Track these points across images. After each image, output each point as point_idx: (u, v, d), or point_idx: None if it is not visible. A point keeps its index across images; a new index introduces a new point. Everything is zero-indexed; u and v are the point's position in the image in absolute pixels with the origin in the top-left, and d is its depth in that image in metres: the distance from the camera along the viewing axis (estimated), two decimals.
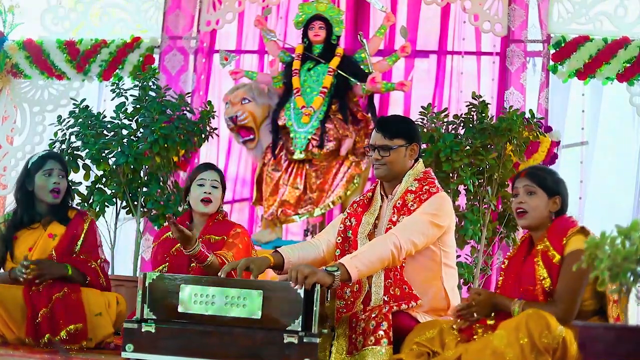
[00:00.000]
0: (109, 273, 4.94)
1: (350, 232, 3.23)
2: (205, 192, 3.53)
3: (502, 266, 3.03)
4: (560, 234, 2.78)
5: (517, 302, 2.76)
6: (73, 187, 4.85)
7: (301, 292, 2.69)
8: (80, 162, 4.95)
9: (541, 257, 2.79)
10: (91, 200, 4.91)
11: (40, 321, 3.41)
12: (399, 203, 3.14)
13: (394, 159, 3.17)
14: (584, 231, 2.77)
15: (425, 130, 4.74)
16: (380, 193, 3.27)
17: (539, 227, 2.89)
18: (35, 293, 3.45)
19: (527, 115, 4.80)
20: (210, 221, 3.60)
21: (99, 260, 3.68)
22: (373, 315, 2.86)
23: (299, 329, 2.67)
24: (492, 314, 2.89)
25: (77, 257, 3.62)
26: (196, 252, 3.25)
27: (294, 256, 3.11)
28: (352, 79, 4.91)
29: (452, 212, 3.18)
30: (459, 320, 2.86)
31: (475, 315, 2.83)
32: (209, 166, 3.68)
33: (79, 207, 3.94)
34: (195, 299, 2.74)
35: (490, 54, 5.68)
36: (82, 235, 3.67)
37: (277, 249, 3.13)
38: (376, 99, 5.32)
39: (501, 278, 3.01)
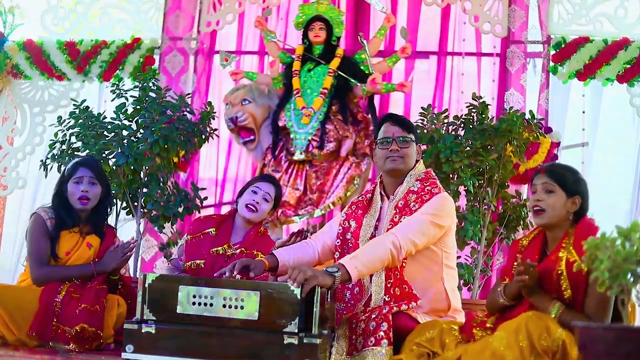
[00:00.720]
0: None
1: (350, 234, 3.23)
2: (253, 200, 3.61)
3: (518, 254, 2.87)
4: None
5: (555, 305, 2.65)
6: None
7: (298, 293, 2.69)
8: None
9: (566, 268, 2.69)
10: None
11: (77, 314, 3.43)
12: (400, 203, 3.14)
13: (410, 153, 3.21)
14: None
15: (425, 131, 4.74)
16: (381, 193, 3.27)
17: (555, 227, 2.81)
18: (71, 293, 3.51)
19: (527, 116, 4.80)
20: (253, 232, 3.65)
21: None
22: (373, 316, 2.86)
23: (296, 331, 2.67)
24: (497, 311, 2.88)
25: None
26: None
27: (289, 259, 3.12)
28: (352, 80, 4.91)
29: (453, 212, 3.19)
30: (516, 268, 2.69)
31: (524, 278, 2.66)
32: (269, 180, 3.79)
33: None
34: (194, 300, 2.74)
35: (491, 55, 5.68)
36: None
37: (273, 252, 3.15)
38: (376, 100, 5.32)
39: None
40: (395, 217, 3.11)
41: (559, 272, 2.70)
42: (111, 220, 4.98)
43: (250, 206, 3.61)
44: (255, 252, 3.56)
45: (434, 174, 3.28)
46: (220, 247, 3.58)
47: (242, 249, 3.58)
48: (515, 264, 2.75)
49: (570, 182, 2.83)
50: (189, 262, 3.59)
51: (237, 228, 3.67)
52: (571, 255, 2.70)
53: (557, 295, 2.70)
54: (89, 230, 3.76)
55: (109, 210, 3.92)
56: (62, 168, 4.86)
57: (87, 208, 3.74)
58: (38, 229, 3.67)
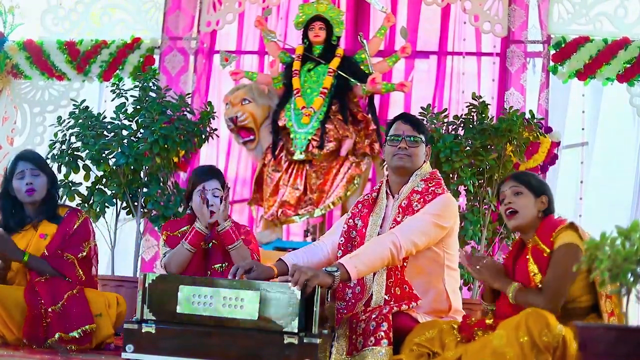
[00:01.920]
0: (109, 273, 4.97)
1: (355, 232, 3.23)
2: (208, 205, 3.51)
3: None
4: (549, 230, 2.83)
5: (513, 285, 2.83)
6: (73, 188, 4.86)
7: (298, 293, 2.69)
8: (80, 163, 4.94)
9: (531, 253, 2.83)
10: (91, 201, 4.91)
11: (50, 320, 3.38)
12: (404, 203, 3.14)
13: (418, 152, 3.22)
14: (572, 226, 2.82)
15: None
16: (386, 191, 3.27)
17: (529, 228, 2.92)
18: (43, 290, 3.43)
19: (527, 115, 4.80)
20: (217, 224, 3.59)
21: (79, 255, 3.60)
22: (373, 316, 2.86)
23: (296, 330, 2.67)
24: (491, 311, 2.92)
25: (56, 252, 3.58)
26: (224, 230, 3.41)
27: (298, 263, 3.10)
28: (352, 80, 4.91)
29: (456, 213, 3.19)
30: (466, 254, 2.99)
31: (477, 269, 2.92)
32: (209, 174, 3.59)
33: (72, 206, 3.88)
34: (194, 299, 2.74)
35: (491, 54, 5.68)
36: (72, 231, 3.64)
37: (282, 258, 3.13)
38: (376, 99, 5.32)
39: None
40: (399, 217, 3.11)
41: (527, 258, 2.84)
42: (111, 220, 5.01)
43: (210, 211, 3.54)
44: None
45: (439, 175, 3.27)
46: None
47: (213, 241, 3.54)
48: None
49: (534, 184, 2.97)
50: None
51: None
52: (535, 242, 2.84)
53: (528, 283, 2.82)
54: (40, 219, 3.66)
55: (57, 197, 3.80)
56: (63, 168, 4.87)
57: (35, 199, 3.65)
58: None
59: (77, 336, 3.36)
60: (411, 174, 3.22)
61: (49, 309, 3.39)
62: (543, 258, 2.79)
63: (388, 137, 3.26)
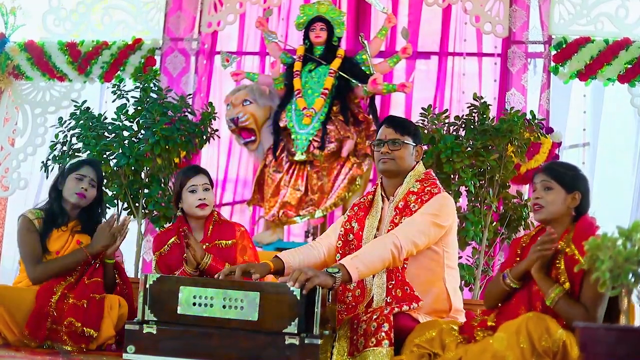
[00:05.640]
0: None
1: (352, 235, 3.23)
2: (199, 199, 3.59)
3: (518, 251, 2.92)
4: (585, 237, 2.62)
5: (558, 288, 2.66)
6: None
7: (298, 293, 2.69)
8: None
9: (564, 261, 2.71)
10: None
11: (66, 309, 3.45)
12: (400, 204, 3.14)
13: (402, 155, 3.20)
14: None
15: (426, 131, 4.73)
16: (381, 194, 3.27)
17: (556, 223, 2.82)
18: (80, 289, 3.55)
19: (528, 116, 4.79)
20: (209, 224, 3.63)
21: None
22: (374, 317, 2.86)
23: (297, 331, 2.67)
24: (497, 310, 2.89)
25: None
26: (206, 266, 3.43)
27: (294, 261, 3.12)
28: (353, 81, 4.91)
29: (454, 212, 3.19)
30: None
31: (539, 249, 2.70)
32: (196, 170, 3.71)
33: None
34: (195, 300, 2.74)
35: (492, 55, 5.68)
36: None
37: (277, 255, 3.14)
38: (377, 100, 5.32)
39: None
40: (396, 219, 3.12)
41: (557, 265, 2.72)
42: None
43: (200, 205, 3.58)
44: (217, 243, 3.57)
45: (433, 175, 3.28)
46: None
47: (207, 244, 3.57)
48: (540, 238, 2.76)
49: (568, 179, 2.84)
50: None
51: (195, 228, 3.64)
52: (570, 250, 2.71)
53: None
54: (78, 229, 3.74)
55: (100, 215, 3.89)
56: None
57: (80, 204, 3.73)
58: (26, 230, 3.69)
59: (79, 331, 3.41)
60: (400, 175, 3.22)
61: (70, 301, 3.47)
62: (579, 270, 2.59)
63: (373, 143, 3.28)
